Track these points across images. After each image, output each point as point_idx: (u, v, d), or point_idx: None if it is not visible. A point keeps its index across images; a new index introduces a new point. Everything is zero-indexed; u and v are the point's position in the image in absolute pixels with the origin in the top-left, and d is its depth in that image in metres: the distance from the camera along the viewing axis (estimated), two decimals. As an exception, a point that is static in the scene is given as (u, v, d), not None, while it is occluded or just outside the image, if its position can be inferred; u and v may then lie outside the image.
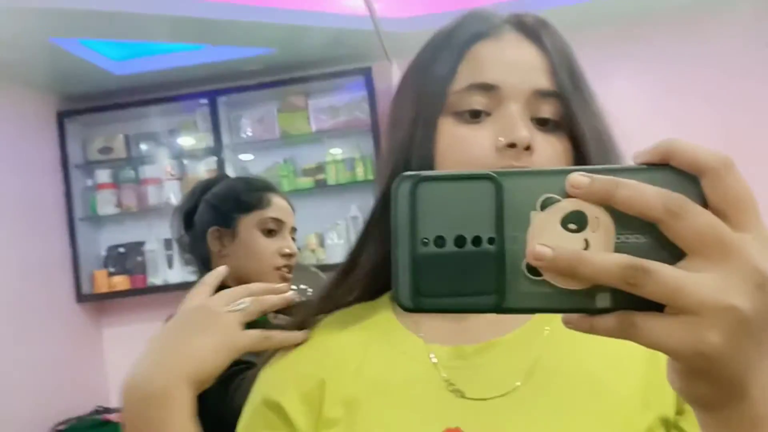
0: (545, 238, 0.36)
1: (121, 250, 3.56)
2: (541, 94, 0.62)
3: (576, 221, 0.36)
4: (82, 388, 3.44)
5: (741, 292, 0.34)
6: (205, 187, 1.66)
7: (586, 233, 0.36)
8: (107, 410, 3.38)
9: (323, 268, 2.07)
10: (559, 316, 0.38)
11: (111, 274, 3.52)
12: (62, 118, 3.46)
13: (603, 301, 0.36)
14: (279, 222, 1.59)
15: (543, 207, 0.36)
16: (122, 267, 3.54)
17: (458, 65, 0.63)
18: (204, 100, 3.47)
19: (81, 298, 3.45)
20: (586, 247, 0.36)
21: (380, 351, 0.65)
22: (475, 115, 0.62)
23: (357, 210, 3.44)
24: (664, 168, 0.36)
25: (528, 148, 0.60)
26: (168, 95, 3.50)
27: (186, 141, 3.58)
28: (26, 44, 2.84)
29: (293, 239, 1.64)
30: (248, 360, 1.27)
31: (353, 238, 3.76)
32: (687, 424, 0.59)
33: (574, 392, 0.59)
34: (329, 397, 0.63)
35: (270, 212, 1.58)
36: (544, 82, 0.62)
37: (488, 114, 0.62)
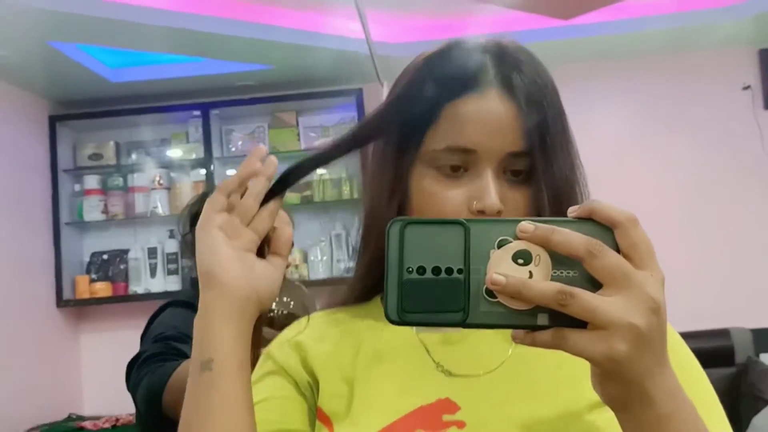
0: (500, 269, 0.47)
1: (105, 256, 3.56)
2: (514, 155, 0.67)
3: (523, 257, 0.48)
4: (56, 393, 3.40)
5: (639, 314, 0.46)
6: None
7: (530, 267, 0.47)
8: (80, 417, 3.35)
9: (305, 284, 2.11)
10: None
11: (93, 281, 3.52)
12: (54, 121, 3.48)
13: (542, 319, 0.47)
14: None
15: (499, 246, 0.48)
16: (105, 274, 3.54)
17: (439, 119, 0.67)
18: (197, 112, 3.52)
19: (61, 302, 3.43)
20: (530, 277, 0.47)
21: (375, 337, 0.71)
22: (454, 170, 0.67)
23: (341, 228, 3.48)
24: (589, 221, 0.48)
25: (498, 213, 0.66)
26: (161, 105, 3.54)
27: (176, 152, 3.62)
28: (24, 45, 2.87)
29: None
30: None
31: (336, 255, 3.72)
32: None
33: (548, 372, 0.66)
34: (329, 376, 0.69)
35: None
36: (517, 143, 0.66)
37: (465, 170, 0.67)
